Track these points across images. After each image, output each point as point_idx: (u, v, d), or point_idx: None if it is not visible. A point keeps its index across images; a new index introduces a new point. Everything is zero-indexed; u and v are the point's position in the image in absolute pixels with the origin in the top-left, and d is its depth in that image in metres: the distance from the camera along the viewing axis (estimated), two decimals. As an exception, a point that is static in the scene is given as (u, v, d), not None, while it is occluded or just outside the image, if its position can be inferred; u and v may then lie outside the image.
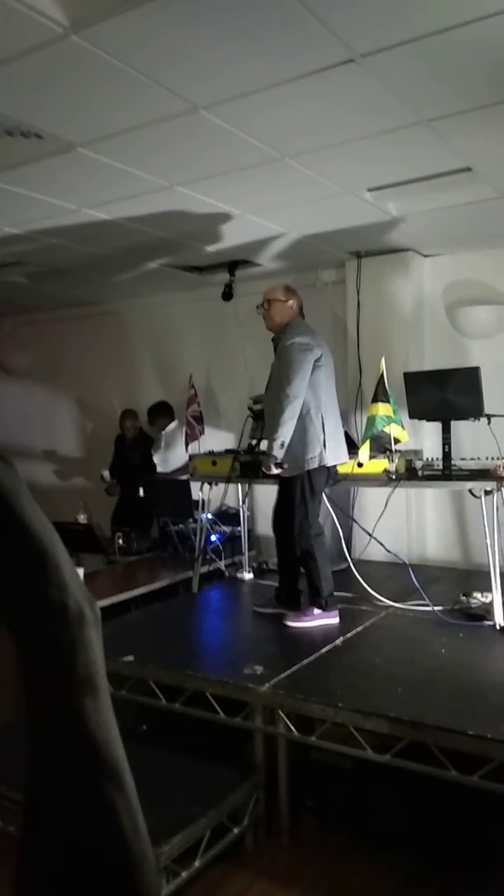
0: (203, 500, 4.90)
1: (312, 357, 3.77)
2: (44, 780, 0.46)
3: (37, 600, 0.47)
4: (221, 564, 5.10)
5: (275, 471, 3.80)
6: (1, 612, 0.48)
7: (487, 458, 4.10)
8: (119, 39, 2.30)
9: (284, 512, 3.92)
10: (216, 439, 5.74)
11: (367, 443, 4.04)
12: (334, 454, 3.85)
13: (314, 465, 3.77)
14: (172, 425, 6.09)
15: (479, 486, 3.82)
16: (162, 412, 6.16)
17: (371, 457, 4.06)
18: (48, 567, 0.48)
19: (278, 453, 3.73)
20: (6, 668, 0.47)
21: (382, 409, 4.02)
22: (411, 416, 4.47)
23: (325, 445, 3.79)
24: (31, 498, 0.49)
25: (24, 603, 0.47)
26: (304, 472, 3.78)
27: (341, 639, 3.58)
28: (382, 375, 4.06)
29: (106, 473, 6.25)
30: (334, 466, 3.94)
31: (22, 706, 0.47)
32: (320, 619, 3.82)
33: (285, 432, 3.71)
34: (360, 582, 4.20)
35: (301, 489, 3.81)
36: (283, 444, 3.72)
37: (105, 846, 0.45)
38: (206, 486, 4.84)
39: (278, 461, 3.76)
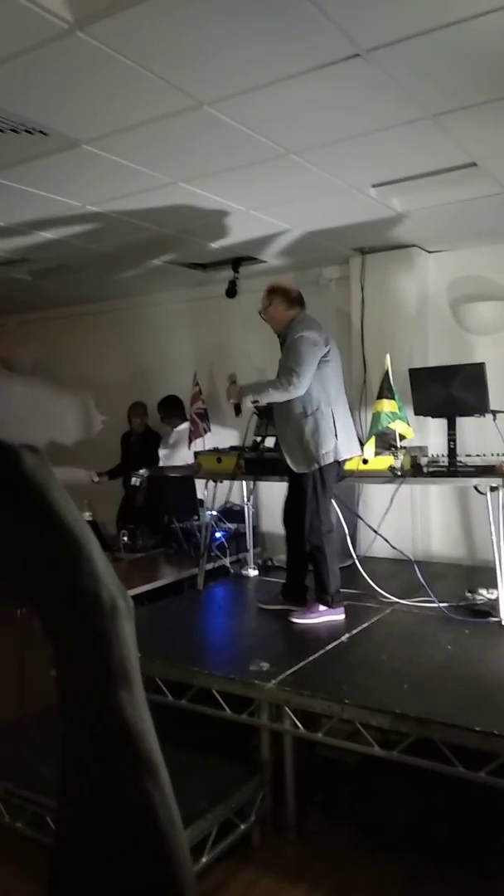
0: (208, 497, 4.90)
1: (320, 353, 3.77)
2: (81, 774, 0.46)
3: (70, 591, 0.47)
4: (226, 561, 5.09)
5: (231, 401, 3.94)
6: (35, 604, 0.48)
7: (493, 455, 4.09)
8: (124, 35, 2.30)
9: (295, 508, 3.91)
10: (221, 436, 5.73)
11: (373, 439, 4.03)
12: (346, 448, 3.86)
13: (329, 459, 3.77)
14: (185, 425, 6.06)
15: (484, 482, 3.82)
16: (176, 410, 6.14)
17: (376, 453, 4.06)
18: (81, 558, 0.48)
19: (246, 398, 3.87)
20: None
21: (387, 406, 4.02)
22: (416, 413, 4.47)
23: (337, 439, 3.79)
24: (64, 489, 0.49)
25: (57, 594, 0.47)
26: (316, 468, 3.78)
27: (347, 635, 3.58)
28: (388, 372, 4.05)
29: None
30: (342, 462, 3.94)
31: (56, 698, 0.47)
32: (326, 616, 3.82)
33: (264, 399, 3.85)
34: (365, 578, 4.20)
35: (313, 485, 3.80)
36: (255, 402, 3.90)
37: (143, 839, 0.45)
38: (211, 483, 4.84)
39: (238, 402, 3.91)
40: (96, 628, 0.47)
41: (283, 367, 3.83)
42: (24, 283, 5.94)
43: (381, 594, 4.11)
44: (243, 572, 5.02)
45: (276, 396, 3.79)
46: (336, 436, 3.79)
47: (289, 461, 3.87)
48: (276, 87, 2.65)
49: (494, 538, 3.75)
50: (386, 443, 4.07)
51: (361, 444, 4.07)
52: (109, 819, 0.45)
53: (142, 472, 5.66)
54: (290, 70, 2.55)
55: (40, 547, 0.47)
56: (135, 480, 5.62)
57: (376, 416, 4.03)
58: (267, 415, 4.40)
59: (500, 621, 3.66)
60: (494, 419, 4.21)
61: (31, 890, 2.64)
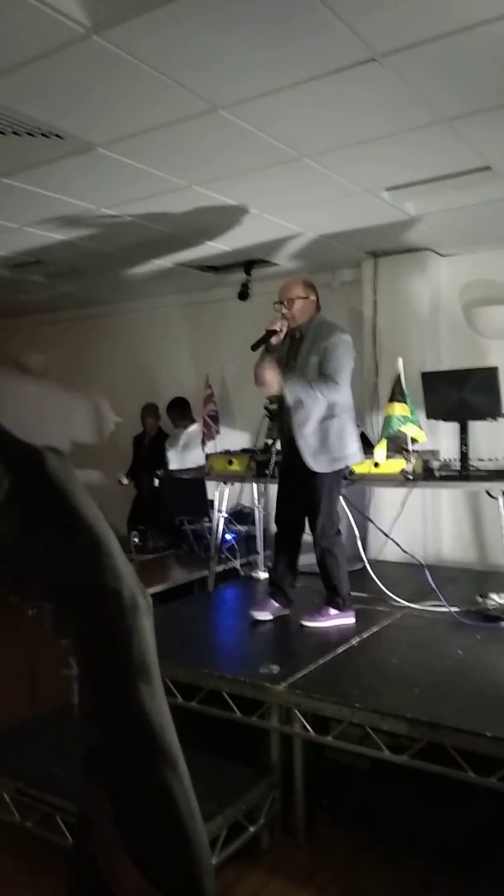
0: (218, 500, 4.90)
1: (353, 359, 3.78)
2: (101, 766, 0.47)
3: (92, 587, 0.48)
4: (236, 563, 5.10)
5: (269, 388, 3.73)
6: (57, 600, 0.49)
7: (505, 459, 4.09)
8: (140, 40, 2.31)
9: (305, 511, 3.87)
10: (232, 439, 5.74)
11: (384, 443, 4.02)
12: (360, 453, 3.87)
13: (353, 461, 3.78)
14: (195, 426, 6.07)
15: (496, 486, 3.81)
16: (185, 411, 6.17)
17: (388, 457, 4.05)
18: (102, 555, 0.49)
19: (290, 395, 3.66)
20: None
21: (399, 409, 4.01)
22: (429, 417, 4.46)
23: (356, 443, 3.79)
24: (84, 488, 0.50)
25: (80, 590, 0.48)
26: (342, 468, 3.78)
27: (357, 639, 3.58)
28: (399, 375, 4.04)
29: (124, 479, 6.31)
30: (349, 466, 3.93)
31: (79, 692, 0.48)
32: (336, 619, 3.81)
33: (309, 401, 3.65)
34: (375, 582, 4.18)
35: (329, 488, 3.76)
36: (297, 399, 3.67)
37: (163, 828, 0.46)
38: (222, 485, 4.85)
39: (277, 393, 3.74)
40: (117, 624, 0.48)
41: (313, 368, 3.74)
42: (38, 284, 5.98)
43: (392, 598, 4.10)
44: (253, 575, 5.01)
45: (322, 400, 3.69)
46: (356, 439, 3.79)
47: (309, 461, 3.74)
48: (291, 90, 2.66)
49: (506, 543, 3.73)
50: (397, 446, 4.07)
51: (369, 450, 4.06)
52: (130, 809, 0.46)
53: (159, 472, 5.70)
54: (306, 74, 2.56)
55: (63, 544, 0.48)
56: (157, 481, 5.67)
57: (388, 420, 4.03)
58: (278, 417, 4.39)
59: (511, 626, 3.65)
60: (507, 423, 4.21)
61: (41, 889, 2.66)
